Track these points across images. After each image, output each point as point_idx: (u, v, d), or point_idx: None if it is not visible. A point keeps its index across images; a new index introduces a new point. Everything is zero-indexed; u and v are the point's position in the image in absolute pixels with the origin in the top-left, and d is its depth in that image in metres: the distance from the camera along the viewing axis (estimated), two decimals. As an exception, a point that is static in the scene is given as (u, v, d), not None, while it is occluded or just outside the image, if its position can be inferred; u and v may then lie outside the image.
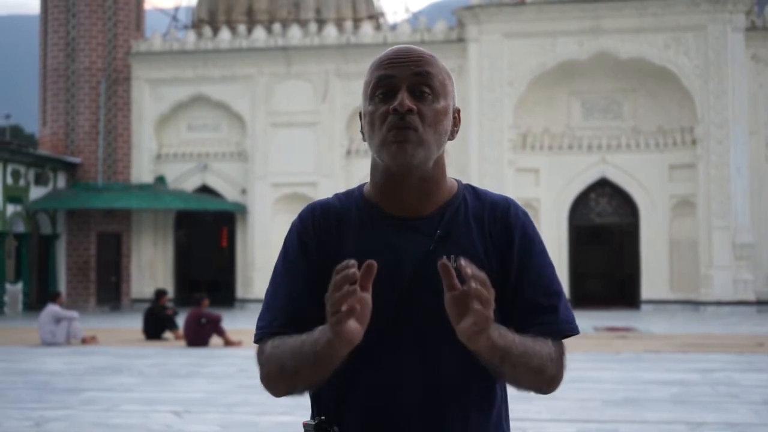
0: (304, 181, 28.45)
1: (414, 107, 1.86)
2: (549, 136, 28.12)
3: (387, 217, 1.89)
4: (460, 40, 28.17)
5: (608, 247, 29.81)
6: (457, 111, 1.98)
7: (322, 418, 1.92)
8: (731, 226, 26.14)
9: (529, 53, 27.25)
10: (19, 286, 27.28)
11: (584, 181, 27.94)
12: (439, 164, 1.95)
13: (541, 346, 1.84)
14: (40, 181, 28.11)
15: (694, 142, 26.88)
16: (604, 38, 27.12)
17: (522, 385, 1.87)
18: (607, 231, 29.60)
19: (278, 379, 1.90)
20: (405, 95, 1.86)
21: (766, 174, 26.80)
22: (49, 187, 28.62)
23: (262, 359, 1.94)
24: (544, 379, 1.86)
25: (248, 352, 15.52)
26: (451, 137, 1.96)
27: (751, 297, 25.94)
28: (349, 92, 28.62)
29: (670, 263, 27.20)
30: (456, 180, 2.03)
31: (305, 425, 1.92)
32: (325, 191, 28.26)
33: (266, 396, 7.85)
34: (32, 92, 32.83)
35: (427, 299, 1.77)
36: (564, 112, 28.23)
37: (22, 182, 27.36)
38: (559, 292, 1.95)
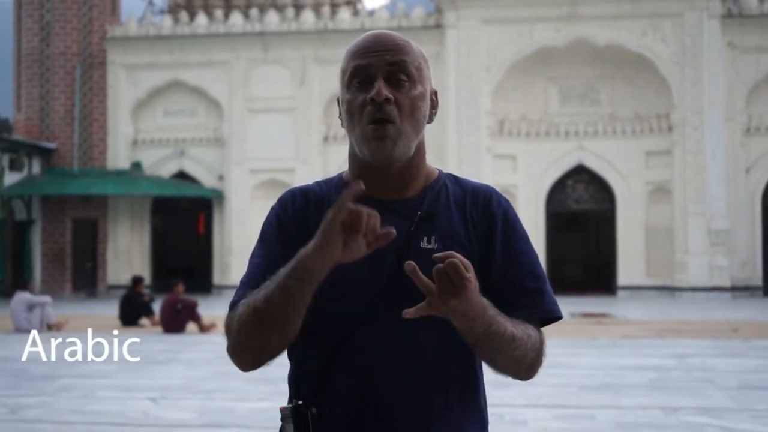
0: (281, 167, 28.37)
1: (391, 96, 1.87)
2: (526, 123, 28.17)
3: (367, 200, 1.76)
4: (438, 26, 28.14)
5: (585, 233, 29.94)
6: (434, 93, 1.99)
7: (299, 402, 1.90)
8: (707, 213, 26.31)
9: (506, 40, 27.26)
10: (-6, 272, 27.10)
11: (561, 167, 28.04)
12: (419, 149, 1.96)
13: (528, 334, 1.85)
14: (14, 166, 27.87)
15: (670, 128, 27.01)
16: (581, 25, 27.17)
17: (500, 368, 1.87)
18: (584, 217, 29.72)
19: (248, 338, 1.86)
20: (381, 84, 1.88)
21: (741, 160, 26.98)
22: (24, 173, 28.39)
23: (232, 324, 1.91)
24: (523, 366, 1.87)
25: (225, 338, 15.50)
26: (430, 120, 1.98)
27: (726, 283, 26.15)
28: (326, 78, 28.53)
29: (647, 249, 27.37)
30: (437, 168, 2.05)
31: (282, 410, 1.90)
32: (302, 177, 28.18)
33: (244, 382, 7.87)
34: (6, 77, 32.53)
35: (407, 281, 1.72)
36: (541, 98, 28.29)
37: (-4, 168, 27.13)
38: (543, 275, 1.97)
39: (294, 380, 1.96)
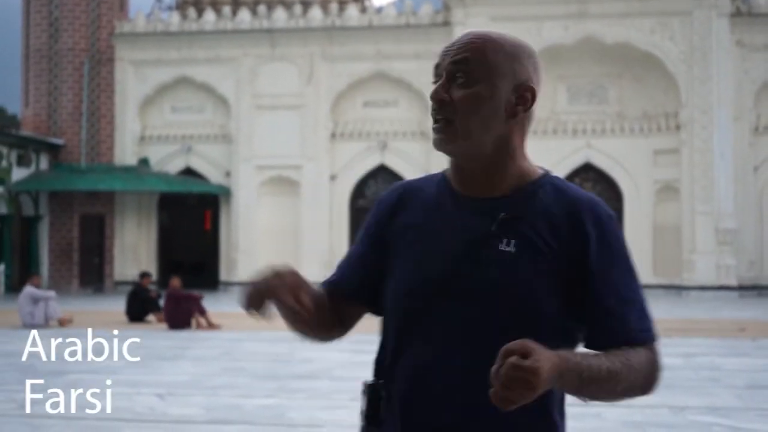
0: (288, 164, 28.39)
1: (445, 96, 1.90)
2: (534, 121, 28.10)
3: (457, 195, 1.91)
4: (446, 23, 28.12)
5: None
6: (525, 89, 1.95)
7: (380, 381, 1.97)
8: (714, 212, 26.26)
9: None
10: (1, 267, 27.16)
11: (569, 165, 28.00)
12: (502, 147, 1.93)
13: (629, 362, 1.81)
14: (22, 162, 27.96)
15: (678, 127, 26.96)
16: (589, 23, 27.14)
17: (610, 400, 1.89)
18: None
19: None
20: (441, 84, 1.91)
21: (749, 160, 26.93)
22: (32, 169, 28.47)
23: None
24: (634, 392, 1.88)
25: (232, 335, 15.53)
26: (512, 117, 1.93)
27: (734, 282, 26.10)
28: (334, 75, 28.54)
29: (654, 248, 27.33)
30: (542, 169, 2.00)
31: (363, 383, 1.99)
32: (309, 174, 28.25)
33: (251, 379, 7.91)
34: (14, 73, 32.60)
35: (477, 278, 1.81)
36: (549, 96, 28.23)
37: (4, 163, 27.20)
38: (632, 299, 1.89)
39: (376, 360, 2.04)
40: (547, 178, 1.97)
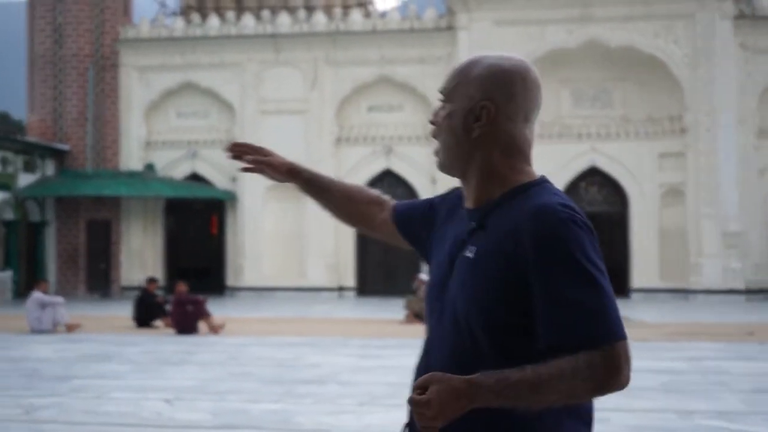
0: (293, 169, 28.37)
1: (433, 119, 2.15)
2: (539, 125, 27.74)
3: (462, 207, 2.16)
4: (450, 28, 28.14)
5: (598, 235, 29.73)
6: (481, 107, 2.05)
7: None
8: (720, 215, 26.23)
9: (518, 41, 27.22)
10: (8, 273, 27.19)
11: (574, 169, 27.98)
12: (474, 162, 2.08)
13: (561, 367, 1.84)
14: (28, 168, 28.01)
15: (683, 130, 26.94)
16: (593, 26, 27.14)
17: (559, 404, 1.90)
18: (597, 219, 29.57)
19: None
20: (436, 109, 2.15)
21: (754, 162, 26.89)
22: (38, 174, 28.52)
23: None
24: (585, 391, 1.88)
25: (239, 340, 15.54)
26: (470, 133, 2.07)
27: (741, 285, 26.06)
28: (338, 80, 28.57)
29: (660, 252, 27.29)
30: (531, 180, 2.06)
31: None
32: (314, 179, 28.22)
33: (258, 384, 7.92)
34: (19, 79, 32.66)
35: (452, 284, 2.04)
36: (553, 100, 28.19)
37: (10, 169, 27.24)
38: (572, 302, 1.88)
39: None
40: (528, 188, 2.04)
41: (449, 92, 2.11)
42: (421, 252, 2.33)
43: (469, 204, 2.12)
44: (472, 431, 1.93)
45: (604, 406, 9.57)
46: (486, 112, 2.05)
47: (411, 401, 1.87)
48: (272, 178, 2.56)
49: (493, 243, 1.98)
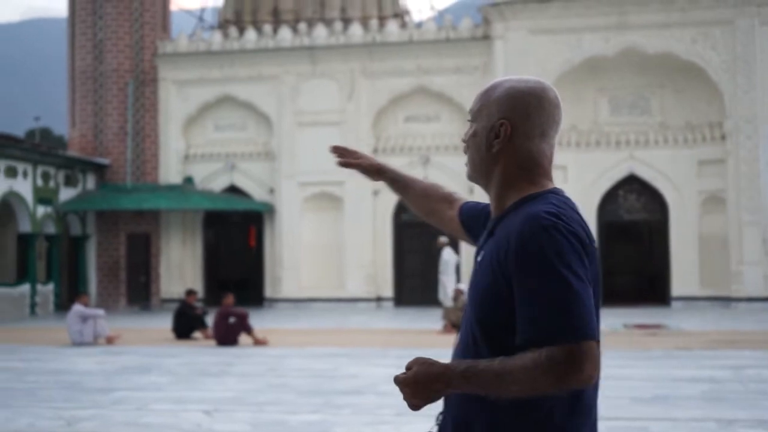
0: (331, 180, 28.44)
1: (464, 137, 2.39)
2: (576, 133, 27.98)
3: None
4: (486, 37, 28.11)
5: (638, 243, 29.60)
6: (500, 125, 2.28)
7: None
8: (761, 222, 25.91)
9: (555, 50, 27.15)
10: (50, 286, 27.52)
11: (612, 177, 27.79)
12: (492, 176, 2.31)
13: (523, 361, 2.02)
14: (69, 182, 28.36)
15: (723, 137, 26.66)
16: (630, 34, 26.96)
17: (520, 395, 2.07)
18: (637, 227, 29.42)
19: None
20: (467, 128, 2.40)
21: (796, 169, 26.50)
22: (79, 189, 28.86)
23: None
24: (546, 383, 2.01)
25: (278, 351, 15.61)
26: (490, 149, 2.30)
27: (783, 293, 25.68)
28: (374, 91, 28.63)
29: (700, 259, 27.00)
30: (543, 190, 2.26)
31: None
32: (352, 190, 28.30)
33: (296, 395, 7.97)
34: (61, 94, 33.11)
35: (471, 287, 2.26)
36: (591, 108, 28.08)
37: (52, 184, 27.61)
38: (536, 300, 2.05)
39: None
40: (532, 198, 2.22)
41: (475, 113, 2.35)
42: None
43: (492, 213, 2.35)
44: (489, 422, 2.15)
45: (642, 415, 9.53)
46: (504, 129, 2.27)
47: (395, 379, 2.11)
48: (365, 175, 2.96)
49: (494, 249, 2.19)
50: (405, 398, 2.12)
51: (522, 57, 27.24)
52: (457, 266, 22.96)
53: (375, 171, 2.92)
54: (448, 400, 2.24)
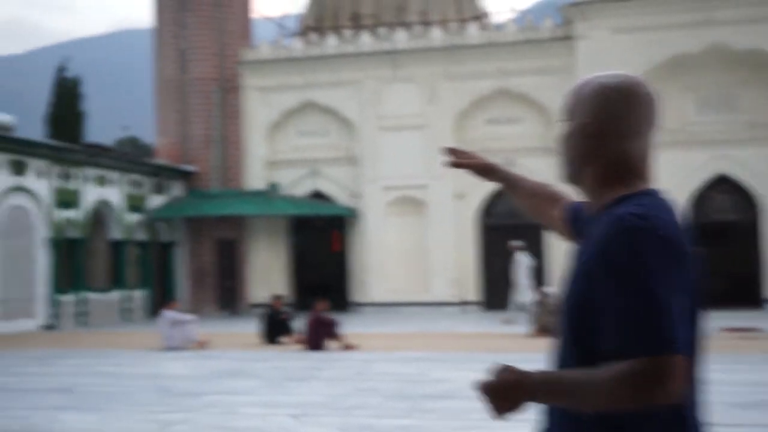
0: (414, 184, 28.50)
1: (556, 139, 2.34)
2: (663, 132, 27.38)
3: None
4: (567, 37, 27.82)
5: (728, 244, 28.94)
6: (589, 124, 2.22)
7: None
8: None
9: (637, 48, 26.72)
10: (142, 292, 28.11)
11: (701, 177, 27.22)
12: (587, 177, 2.25)
13: (601, 375, 1.96)
14: (158, 189, 28.97)
15: (816, 133, 25.89)
16: (716, 30, 26.38)
17: (597, 409, 2.01)
18: (727, 228, 28.75)
19: None
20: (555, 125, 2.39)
21: None
22: (167, 196, 29.44)
23: None
24: (627, 398, 1.93)
25: (365, 356, 15.68)
26: (581, 150, 2.25)
27: None
28: (456, 93, 28.56)
29: (794, 259, 26.27)
30: (635, 191, 2.16)
31: None
32: (435, 193, 28.29)
33: (383, 399, 7.99)
34: (147, 104, 33.84)
35: (564, 289, 2.19)
36: (677, 106, 27.52)
37: (141, 191, 28.23)
38: (617, 311, 1.98)
39: None
40: (623, 200, 2.13)
41: (567, 112, 2.28)
42: None
43: (587, 215, 2.30)
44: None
45: (739, 421, 9.31)
46: (593, 128, 2.20)
47: (477, 386, 2.06)
48: (476, 175, 2.90)
49: (583, 252, 2.15)
50: (487, 406, 2.06)
51: (604, 56, 26.87)
52: (535, 269, 22.89)
53: (487, 171, 2.88)
54: (547, 417, 2.20)
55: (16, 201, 23.11)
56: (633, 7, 26.99)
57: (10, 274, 22.81)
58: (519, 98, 28.43)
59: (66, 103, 37.38)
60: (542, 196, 2.72)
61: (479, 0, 34.15)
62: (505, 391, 2.03)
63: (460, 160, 2.87)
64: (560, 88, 27.75)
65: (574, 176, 2.28)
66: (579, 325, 2.09)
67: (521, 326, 19.79)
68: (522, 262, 22.86)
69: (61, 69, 38.42)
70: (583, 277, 2.09)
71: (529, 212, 2.79)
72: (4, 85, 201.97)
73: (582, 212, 2.42)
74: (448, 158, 2.88)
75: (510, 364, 2.08)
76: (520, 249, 23.19)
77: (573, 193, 2.52)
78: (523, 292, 22.48)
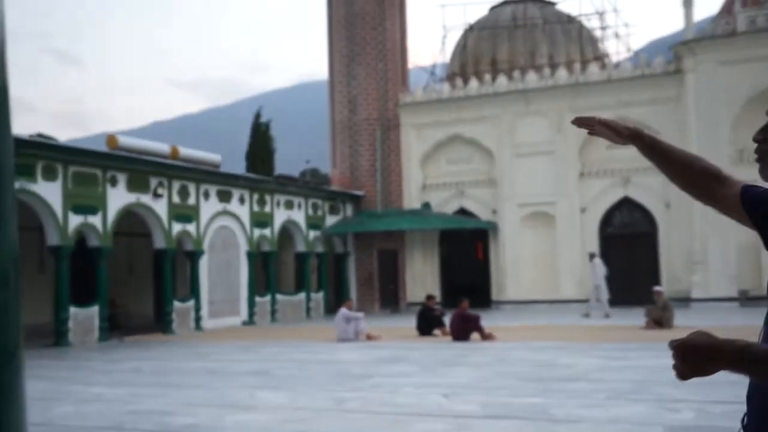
0: (544, 201, 28.09)
1: (758, 138, 2.04)
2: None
3: None
4: (678, 71, 26.81)
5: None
6: None
7: None
8: None
9: (744, 78, 25.44)
10: (321, 294, 28.73)
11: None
12: None
13: None
14: (333, 211, 29.58)
15: None
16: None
17: None
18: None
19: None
20: (759, 130, 2.07)
21: None
22: (340, 216, 30.02)
23: None
24: None
25: (503, 345, 15.51)
26: None
27: None
28: (581, 124, 27.93)
29: None
30: None
31: None
32: (562, 208, 27.83)
33: (519, 381, 7.85)
34: (325, 141, 34.63)
35: None
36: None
37: (319, 212, 28.89)
38: None
39: None
40: None
41: None
42: (763, 236, 2.05)
43: None
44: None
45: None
46: None
47: (670, 343, 1.74)
48: (613, 140, 2.38)
49: None
50: (675, 365, 1.72)
51: (711, 86, 25.79)
52: (607, 274, 23.02)
53: (628, 135, 2.35)
54: (750, 400, 1.88)
55: (223, 222, 24.03)
56: (737, 42, 25.75)
57: (220, 280, 23.72)
58: (636, 125, 27.52)
59: (261, 142, 38.60)
60: (697, 168, 2.22)
61: (599, 42, 33.36)
62: (696, 351, 1.70)
63: (589, 127, 2.41)
64: (672, 115, 26.77)
65: None
66: None
67: (596, 319, 19.68)
68: (599, 266, 22.93)
69: (257, 116, 39.77)
70: None
71: (680, 183, 2.26)
72: (215, 129, 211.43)
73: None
74: (577, 127, 2.43)
75: (704, 330, 1.76)
76: (596, 256, 23.54)
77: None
78: (601, 291, 22.66)
